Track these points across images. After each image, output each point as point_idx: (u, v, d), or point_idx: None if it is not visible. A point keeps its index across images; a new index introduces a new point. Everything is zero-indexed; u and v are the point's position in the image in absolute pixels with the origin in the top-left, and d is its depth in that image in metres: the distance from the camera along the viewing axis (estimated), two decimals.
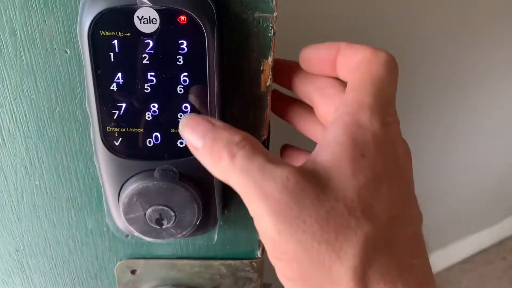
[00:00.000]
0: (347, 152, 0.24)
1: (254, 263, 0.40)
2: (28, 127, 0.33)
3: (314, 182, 0.23)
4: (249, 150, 0.24)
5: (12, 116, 0.32)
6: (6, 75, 0.31)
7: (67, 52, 0.30)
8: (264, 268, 0.41)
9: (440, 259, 1.73)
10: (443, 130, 1.36)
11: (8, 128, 0.33)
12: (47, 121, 0.33)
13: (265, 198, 0.23)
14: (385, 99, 0.26)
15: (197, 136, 0.26)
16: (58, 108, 0.32)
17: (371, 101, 0.26)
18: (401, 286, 0.23)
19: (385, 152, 0.25)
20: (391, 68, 0.27)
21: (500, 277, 1.74)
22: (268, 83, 0.32)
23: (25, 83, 0.31)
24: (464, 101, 1.32)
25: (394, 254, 0.23)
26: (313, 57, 0.32)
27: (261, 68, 0.31)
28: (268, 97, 0.32)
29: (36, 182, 0.35)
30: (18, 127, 0.33)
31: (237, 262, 0.40)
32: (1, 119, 0.32)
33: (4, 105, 0.32)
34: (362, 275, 0.23)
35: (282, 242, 0.23)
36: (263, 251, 0.40)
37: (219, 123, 0.27)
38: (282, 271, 0.24)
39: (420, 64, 1.13)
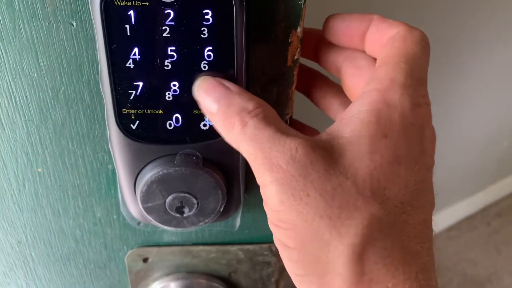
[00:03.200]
0: (368, 130, 0.23)
1: (273, 247, 0.38)
2: (29, 109, 0.30)
3: (325, 156, 0.23)
4: (262, 118, 0.24)
5: (11, 98, 0.29)
6: (3, 52, 0.27)
7: (72, 25, 0.27)
8: None
9: None
10: (431, 98, 1.35)
11: (7, 111, 0.29)
12: (51, 102, 0.29)
13: (272, 167, 0.23)
14: (418, 79, 0.25)
15: (212, 100, 0.25)
16: (63, 88, 0.29)
17: (404, 79, 0.24)
18: (402, 270, 0.22)
19: (411, 135, 0.24)
20: (425, 47, 0.26)
21: (485, 242, 1.78)
22: (296, 57, 0.29)
23: (25, 60, 0.28)
24: (456, 68, 1.31)
25: (400, 238, 0.23)
26: (341, 27, 0.29)
27: (289, 40, 0.28)
28: (294, 72, 0.30)
29: (38, 169, 0.32)
30: (18, 109, 0.29)
31: (256, 247, 0.38)
32: None
33: (2, 86, 0.28)
34: (361, 254, 0.22)
35: (283, 211, 0.23)
36: None
37: (234, 88, 0.25)
38: (279, 238, 0.24)
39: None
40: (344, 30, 0.29)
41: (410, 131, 0.24)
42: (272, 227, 0.24)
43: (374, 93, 0.24)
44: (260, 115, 0.24)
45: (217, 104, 0.25)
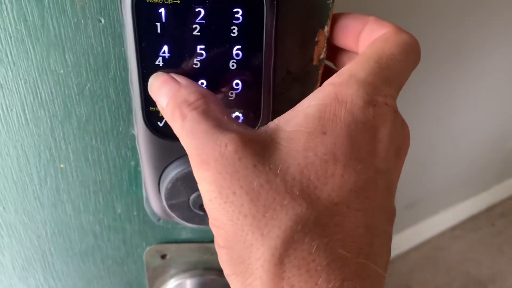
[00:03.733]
0: (308, 125, 0.22)
1: None
2: (54, 105, 0.30)
3: (257, 151, 0.22)
4: (201, 111, 0.23)
5: (37, 93, 0.29)
6: (31, 48, 0.27)
7: (101, 21, 0.27)
8: None
9: (431, 226, 1.76)
10: (435, 99, 1.35)
11: (32, 106, 0.30)
12: (76, 98, 0.30)
13: (202, 164, 0.22)
14: (386, 79, 0.23)
15: (163, 95, 0.25)
16: (88, 85, 0.29)
17: (365, 76, 0.23)
18: (326, 278, 0.20)
19: (357, 133, 0.22)
20: (408, 52, 0.25)
21: (489, 242, 1.78)
22: (321, 56, 0.29)
23: (52, 56, 0.28)
24: (459, 68, 1.31)
25: (329, 243, 0.21)
26: (339, 28, 0.28)
27: (316, 40, 0.28)
28: (319, 72, 0.30)
29: (61, 165, 0.32)
30: (43, 105, 0.30)
31: None
32: (24, 96, 0.29)
33: (28, 81, 0.28)
34: (281, 257, 0.20)
35: (212, 209, 0.22)
36: None
37: (183, 80, 0.25)
38: (214, 235, 0.23)
39: (417, 29, 1.11)
40: (341, 31, 0.28)
41: (357, 129, 0.22)
42: (210, 226, 0.24)
43: (328, 88, 0.23)
44: (200, 107, 0.23)
45: (167, 99, 0.24)
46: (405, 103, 1.30)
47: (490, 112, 1.58)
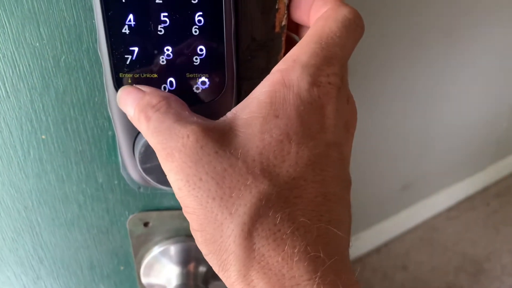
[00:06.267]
0: (261, 111, 0.24)
1: None
2: (32, 77, 0.31)
3: (217, 139, 0.24)
4: (163, 111, 0.25)
5: (15, 67, 0.31)
6: (6, 22, 0.29)
7: None
8: None
9: (427, 208, 1.77)
10: (428, 81, 1.36)
11: (12, 79, 0.31)
12: (52, 70, 0.31)
13: (168, 157, 0.24)
14: (326, 59, 0.25)
15: (130, 105, 0.27)
16: (63, 57, 0.31)
17: (307, 59, 0.25)
18: (291, 244, 0.23)
19: (306, 114, 0.24)
20: (349, 26, 0.26)
21: (484, 222, 1.80)
22: (283, 23, 0.30)
23: (27, 30, 0.29)
24: (452, 49, 1.32)
25: (291, 213, 0.23)
26: (294, 2, 0.30)
27: (276, 7, 0.30)
28: (282, 39, 0.31)
29: (42, 136, 0.34)
30: (22, 78, 0.31)
31: None
32: (3, 70, 0.31)
33: (6, 55, 0.30)
34: (250, 231, 0.23)
35: (182, 197, 0.24)
36: None
37: (148, 89, 0.27)
38: (189, 222, 0.25)
39: (408, 12, 1.12)
40: (296, 7, 0.29)
41: (305, 110, 0.24)
42: (184, 214, 0.26)
43: (276, 74, 0.25)
44: (162, 108, 0.25)
45: (133, 106, 0.27)
46: (399, 86, 1.31)
47: (483, 93, 1.59)
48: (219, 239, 0.23)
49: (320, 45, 0.25)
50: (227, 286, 0.24)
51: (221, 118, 0.25)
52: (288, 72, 0.25)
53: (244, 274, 0.23)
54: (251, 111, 0.24)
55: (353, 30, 0.26)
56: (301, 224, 0.23)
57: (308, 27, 0.30)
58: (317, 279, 0.22)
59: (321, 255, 0.23)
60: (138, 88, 0.27)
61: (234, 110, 0.25)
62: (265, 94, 0.25)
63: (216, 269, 0.25)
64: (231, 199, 0.23)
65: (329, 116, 0.25)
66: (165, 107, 0.25)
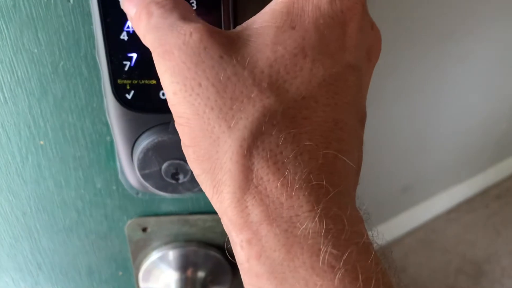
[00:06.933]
0: (276, 20, 0.22)
1: None
2: (30, 83, 0.31)
3: (223, 43, 0.21)
4: (168, 8, 0.22)
5: (13, 72, 0.31)
6: (5, 28, 0.29)
7: (69, 1, 0.28)
8: None
9: (426, 210, 1.77)
10: (428, 82, 1.36)
11: (10, 85, 0.31)
12: (51, 76, 0.31)
13: (165, 54, 0.21)
14: None
15: (133, 4, 0.23)
16: (62, 63, 0.31)
17: None
18: (293, 170, 0.20)
19: (326, 28, 0.22)
20: None
21: (484, 224, 1.80)
22: None
23: (25, 36, 0.29)
24: (452, 51, 1.32)
25: (297, 135, 0.21)
26: None
27: None
28: None
29: (41, 142, 0.34)
30: (20, 84, 0.31)
31: None
32: (2, 76, 0.31)
33: (4, 61, 0.30)
34: (249, 148, 0.20)
35: (176, 103, 0.21)
36: None
37: None
38: (181, 137, 0.23)
39: (407, 13, 1.12)
40: None
41: (325, 24, 0.22)
42: (176, 126, 0.23)
43: None
44: (167, 5, 0.22)
45: (135, 6, 0.23)
46: (399, 87, 1.31)
47: (482, 94, 1.59)
48: (214, 155, 0.21)
49: None
50: (219, 214, 0.22)
51: (231, 30, 0.22)
52: None
53: (239, 198, 0.21)
54: (264, 21, 0.22)
55: None
56: (306, 148, 0.21)
57: None
58: (319, 211, 0.20)
59: (325, 184, 0.20)
60: None
61: (245, 22, 0.23)
62: (281, 3, 0.22)
63: (209, 192, 0.22)
64: (231, 111, 0.20)
65: (351, 35, 0.22)
66: (170, 5, 0.22)
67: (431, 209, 1.79)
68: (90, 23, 0.29)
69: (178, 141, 0.29)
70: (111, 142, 0.34)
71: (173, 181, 0.31)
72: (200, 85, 0.21)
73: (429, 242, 1.73)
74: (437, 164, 1.66)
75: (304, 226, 0.20)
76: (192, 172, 0.31)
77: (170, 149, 0.30)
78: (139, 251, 0.41)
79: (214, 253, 0.41)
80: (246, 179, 0.20)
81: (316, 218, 0.20)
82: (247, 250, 0.21)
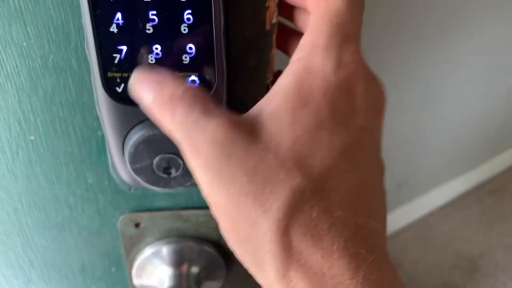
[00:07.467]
0: (289, 102, 0.23)
1: None
2: (20, 78, 0.31)
3: (246, 133, 0.23)
4: (188, 104, 0.24)
5: (2, 67, 0.30)
6: None
7: None
8: None
9: (421, 205, 1.78)
10: (422, 78, 1.36)
11: None
12: (40, 70, 0.31)
13: (196, 151, 0.23)
14: (342, 36, 0.24)
15: (148, 94, 0.25)
16: (51, 56, 0.30)
17: (325, 41, 0.24)
18: (330, 240, 0.22)
19: (336, 98, 0.23)
20: (351, 1, 0.25)
21: (479, 220, 1.81)
22: (273, 21, 0.30)
23: (14, 29, 0.29)
24: (445, 47, 1.32)
25: (327, 207, 0.22)
26: None
27: (266, 5, 0.29)
28: (273, 37, 0.31)
29: (31, 137, 0.34)
30: (9, 78, 0.31)
31: None
32: None
33: None
34: (286, 228, 0.22)
35: (213, 194, 0.23)
36: None
37: (169, 76, 0.25)
38: (219, 223, 0.24)
39: (401, 11, 1.12)
40: None
41: (334, 95, 0.23)
42: (214, 215, 0.24)
43: (297, 63, 0.24)
44: (187, 100, 0.24)
45: (152, 95, 0.24)
46: (392, 84, 1.31)
47: (476, 90, 1.59)
48: (254, 238, 0.22)
49: (332, 25, 0.24)
50: (264, 287, 0.23)
51: (245, 114, 0.24)
52: (309, 59, 0.24)
53: (283, 274, 0.22)
54: (278, 104, 0.23)
55: (356, 4, 0.25)
56: (339, 218, 0.22)
57: (303, 10, 0.29)
58: (360, 277, 0.21)
59: (362, 251, 0.22)
60: (156, 74, 0.25)
61: (257, 106, 0.24)
62: (289, 85, 0.23)
63: (252, 269, 0.24)
64: (264, 195, 0.22)
65: (359, 98, 0.24)
66: (190, 99, 0.24)
67: (426, 205, 1.80)
68: (80, 16, 0.29)
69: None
70: (102, 137, 0.34)
71: (165, 176, 0.31)
72: (233, 174, 0.22)
73: (424, 238, 1.73)
74: (431, 160, 1.66)
75: None
76: (184, 166, 0.31)
77: (162, 143, 0.30)
78: (132, 247, 0.40)
79: (208, 248, 0.41)
80: (288, 255, 0.22)
81: (359, 285, 0.21)
82: None
